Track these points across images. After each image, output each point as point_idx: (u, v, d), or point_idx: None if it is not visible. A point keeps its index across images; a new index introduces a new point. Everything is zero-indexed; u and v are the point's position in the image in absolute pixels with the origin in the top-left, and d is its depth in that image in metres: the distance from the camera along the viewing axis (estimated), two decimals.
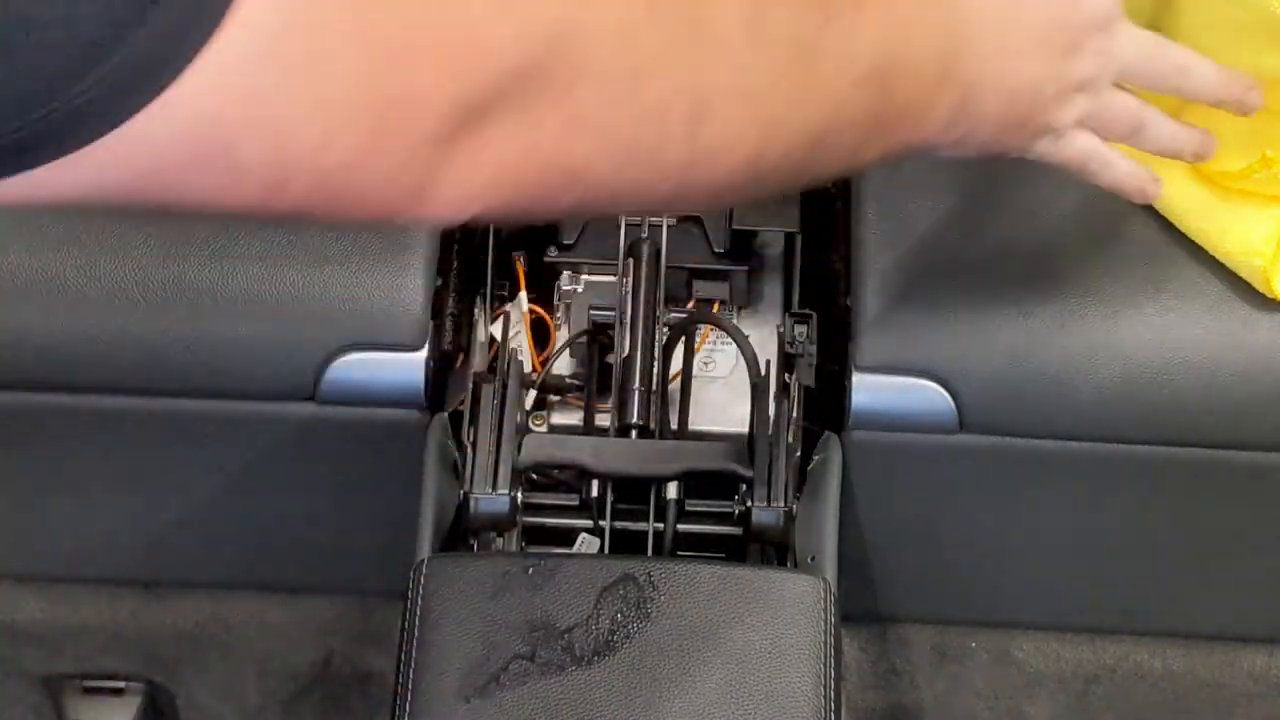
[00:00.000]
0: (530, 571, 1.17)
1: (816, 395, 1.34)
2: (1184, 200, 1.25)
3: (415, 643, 1.14)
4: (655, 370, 1.30)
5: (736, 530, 1.26)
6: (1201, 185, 1.24)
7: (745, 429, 1.29)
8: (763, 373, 1.28)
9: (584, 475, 1.27)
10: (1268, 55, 1.16)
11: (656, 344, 1.31)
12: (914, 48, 0.92)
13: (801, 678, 1.13)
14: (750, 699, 1.12)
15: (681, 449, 1.28)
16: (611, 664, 1.12)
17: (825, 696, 1.12)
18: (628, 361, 1.30)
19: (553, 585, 1.16)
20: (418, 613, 1.15)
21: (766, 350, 1.33)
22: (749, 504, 1.23)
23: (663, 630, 1.14)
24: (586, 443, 1.28)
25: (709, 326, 1.36)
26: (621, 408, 1.29)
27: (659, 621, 1.14)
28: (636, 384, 1.29)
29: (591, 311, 1.37)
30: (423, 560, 1.19)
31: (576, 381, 1.36)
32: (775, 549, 1.26)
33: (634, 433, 1.28)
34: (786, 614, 1.15)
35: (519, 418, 1.28)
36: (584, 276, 1.38)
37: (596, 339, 1.37)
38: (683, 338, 1.34)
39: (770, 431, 1.25)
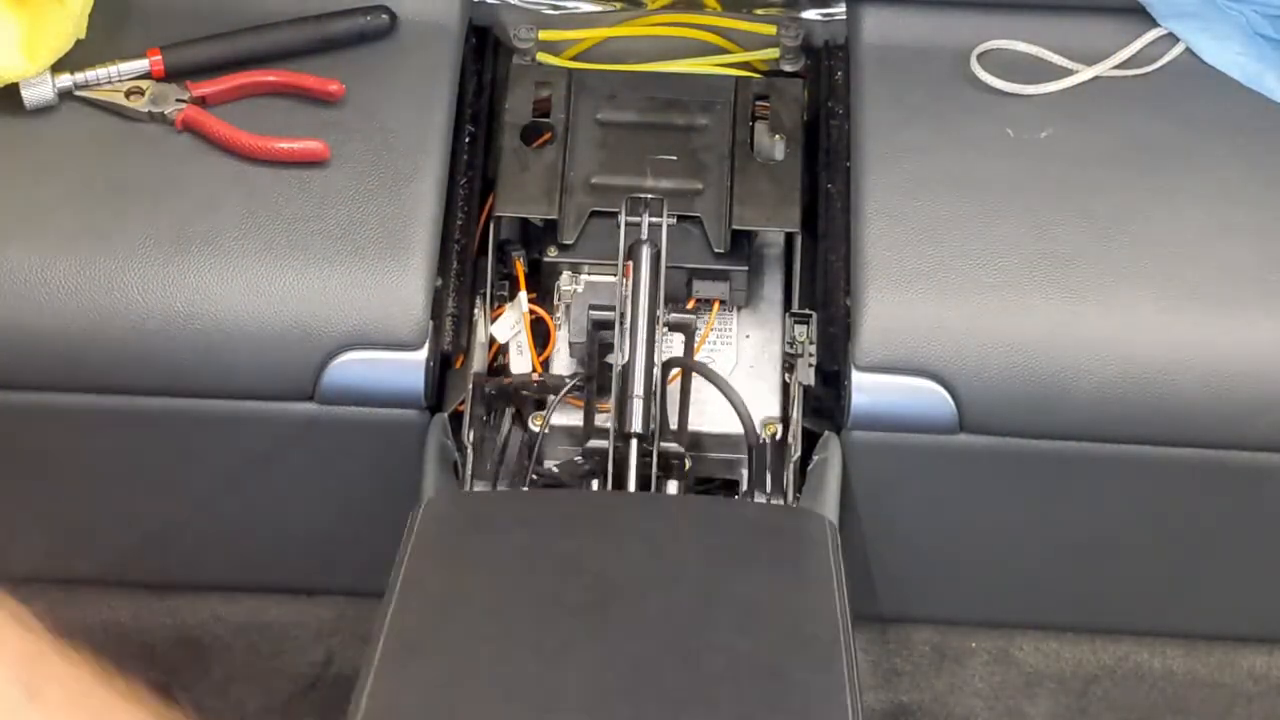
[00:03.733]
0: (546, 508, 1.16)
1: (816, 395, 1.34)
2: None
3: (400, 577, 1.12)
4: (655, 374, 1.30)
5: None
6: None
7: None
8: (760, 436, 1.29)
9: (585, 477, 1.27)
10: None
11: (657, 345, 1.31)
12: None
13: (823, 601, 1.11)
14: (770, 627, 1.10)
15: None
16: (629, 599, 1.10)
17: (843, 620, 1.11)
18: (627, 368, 1.29)
19: (570, 524, 1.15)
20: (409, 549, 1.13)
21: (767, 350, 1.33)
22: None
23: (677, 564, 1.13)
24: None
25: (709, 325, 1.36)
26: (620, 414, 1.28)
27: (671, 555, 1.13)
28: (636, 391, 1.28)
29: (591, 311, 1.37)
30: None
31: (577, 382, 1.36)
32: None
33: (634, 441, 1.27)
34: (801, 545, 1.15)
35: (519, 418, 1.28)
36: (584, 276, 1.38)
37: (596, 338, 1.36)
38: (682, 338, 1.34)
39: None
